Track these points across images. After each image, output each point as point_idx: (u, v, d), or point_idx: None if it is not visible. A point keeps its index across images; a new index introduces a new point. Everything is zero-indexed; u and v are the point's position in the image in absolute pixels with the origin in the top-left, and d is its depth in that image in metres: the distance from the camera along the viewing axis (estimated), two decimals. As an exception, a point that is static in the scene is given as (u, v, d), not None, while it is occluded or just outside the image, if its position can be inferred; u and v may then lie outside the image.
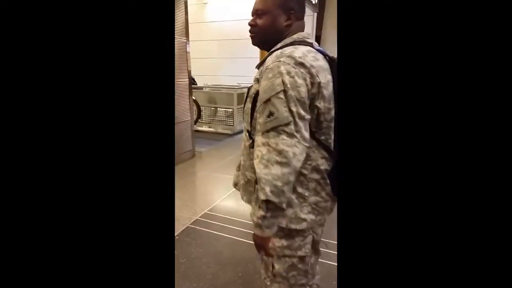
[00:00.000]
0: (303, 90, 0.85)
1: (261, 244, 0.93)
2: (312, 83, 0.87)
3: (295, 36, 0.97)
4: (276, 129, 0.83)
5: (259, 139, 0.87)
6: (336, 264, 1.91)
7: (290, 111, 0.83)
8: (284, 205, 0.86)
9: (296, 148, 0.83)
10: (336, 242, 2.03)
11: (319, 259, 1.91)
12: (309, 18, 5.98)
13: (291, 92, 0.83)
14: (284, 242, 1.00)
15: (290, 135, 0.83)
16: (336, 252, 2.00)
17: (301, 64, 0.86)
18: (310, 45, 0.95)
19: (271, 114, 0.84)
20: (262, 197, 0.84)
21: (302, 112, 0.85)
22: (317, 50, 0.94)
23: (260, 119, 0.87)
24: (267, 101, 0.85)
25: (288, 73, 0.84)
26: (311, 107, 0.89)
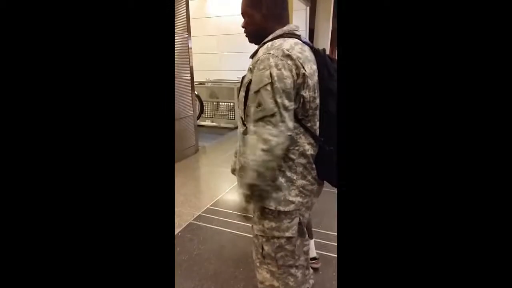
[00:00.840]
0: (289, 82, 0.92)
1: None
2: (298, 74, 0.94)
3: (285, 28, 1.02)
4: (263, 120, 0.92)
5: (250, 127, 0.96)
6: (336, 255, 1.93)
7: (276, 102, 0.91)
8: (266, 187, 0.98)
9: (279, 138, 0.92)
10: (336, 233, 2.04)
11: (320, 251, 1.94)
12: (302, 12, 5.97)
13: (277, 84, 0.91)
14: (273, 224, 1.07)
15: (275, 126, 0.92)
16: (335, 244, 2.03)
17: (288, 56, 0.93)
18: (298, 37, 1.02)
19: (259, 105, 0.93)
20: (247, 180, 0.96)
21: (287, 103, 0.93)
22: (304, 42, 1.01)
23: (252, 109, 0.96)
24: (257, 91, 0.93)
25: (276, 65, 0.92)
26: (297, 97, 0.96)
